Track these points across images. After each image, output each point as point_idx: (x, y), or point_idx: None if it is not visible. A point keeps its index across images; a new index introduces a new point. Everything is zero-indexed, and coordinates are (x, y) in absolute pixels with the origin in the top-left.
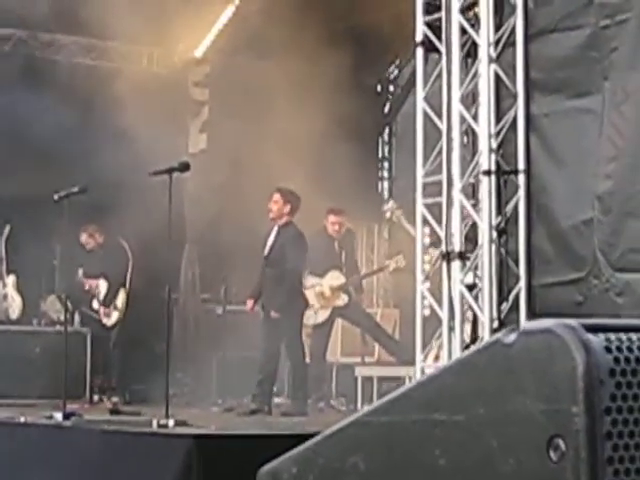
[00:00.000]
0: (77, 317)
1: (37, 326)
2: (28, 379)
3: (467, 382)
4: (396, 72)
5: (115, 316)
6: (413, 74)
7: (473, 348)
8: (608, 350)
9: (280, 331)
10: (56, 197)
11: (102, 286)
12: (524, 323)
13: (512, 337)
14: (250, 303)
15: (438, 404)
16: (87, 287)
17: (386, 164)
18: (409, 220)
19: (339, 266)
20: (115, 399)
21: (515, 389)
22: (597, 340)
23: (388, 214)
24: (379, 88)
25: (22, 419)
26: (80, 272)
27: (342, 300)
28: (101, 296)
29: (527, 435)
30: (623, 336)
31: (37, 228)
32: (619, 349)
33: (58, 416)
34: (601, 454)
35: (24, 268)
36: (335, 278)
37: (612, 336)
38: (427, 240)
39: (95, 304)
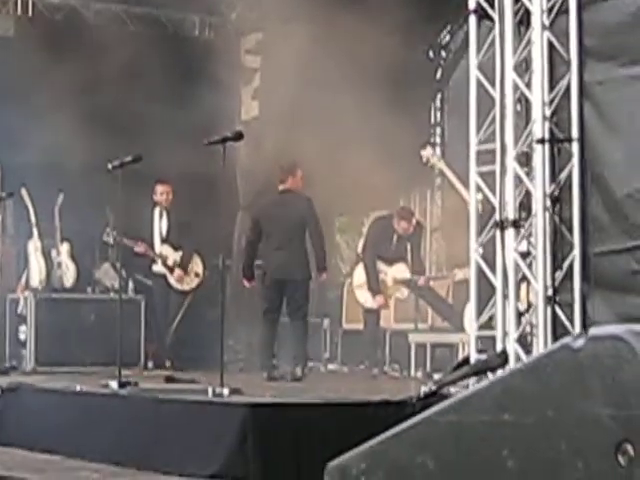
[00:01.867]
0: (131, 284)
1: (91, 294)
2: (83, 346)
3: (536, 385)
4: (448, 37)
5: (195, 282)
6: (465, 40)
7: (542, 352)
8: None
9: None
10: (110, 166)
11: (167, 250)
12: (592, 329)
13: (580, 342)
14: None
15: (507, 406)
16: (142, 250)
17: (438, 130)
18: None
19: (406, 259)
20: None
21: (584, 393)
22: None
23: (425, 159)
24: (431, 54)
25: (78, 388)
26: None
27: (401, 294)
28: (169, 261)
29: (596, 439)
30: None
31: (90, 196)
32: None
33: (114, 385)
34: None
35: (78, 236)
36: (401, 271)
37: None
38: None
39: (157, 267)
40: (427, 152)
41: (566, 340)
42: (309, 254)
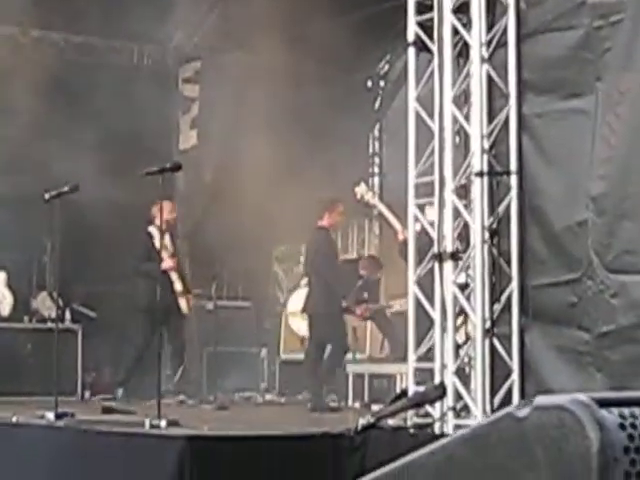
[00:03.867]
0: (68, 314)
1: (28, 323)
2: (19, 376)
3: (479, 455)
4: (386, 67)
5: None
6: (404, 70)
7: (485, 420)
8: (622, 427)
9: None
10: (47, 196)
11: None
12: (537, 398)
13: (525, 411)
14: None
15: (448, 475)
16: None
17: (377, 159)
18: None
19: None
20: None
21: (528, 465)
22: (611, 417)
23: (359, 196)
24: (369, 83)
25: (14, 419)
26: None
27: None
28: (178, 285)
29: None
30: (637, 411)
31: (27, 225)
32: (633, 426)
33: (50, 415)
34: None
35: (14, 265)
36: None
37: (626, 411)
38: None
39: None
40: (361, 189)
41: (510, 409)
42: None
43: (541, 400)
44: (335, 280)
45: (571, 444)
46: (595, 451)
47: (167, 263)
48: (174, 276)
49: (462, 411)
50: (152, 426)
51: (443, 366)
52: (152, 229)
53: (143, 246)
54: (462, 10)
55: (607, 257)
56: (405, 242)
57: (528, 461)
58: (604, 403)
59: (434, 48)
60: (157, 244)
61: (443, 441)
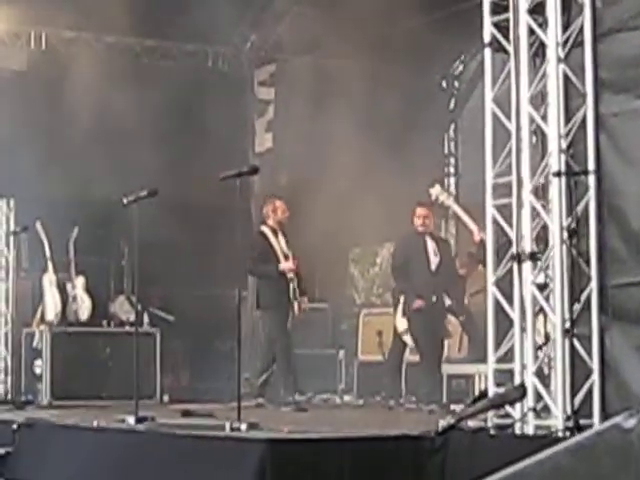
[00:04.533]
0: (146, 317)
1: (107, 327)
2: (98, 380)
3: (585, 464)
4: (461, 67)
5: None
6: (478, 70)
7: (591, 431)
8: None
9: None
10: (125, 201)
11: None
12: None
13: (632, 422)
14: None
15: None
16: (288, 267)
17: (452, 160)
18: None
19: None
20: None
21: (635, 475)
22: None
23: (434, 197)
24: (444, 84)
25: (95, 423)
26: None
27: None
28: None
29: None
30: None
31: (105, 230)
32: None
33: (130, 420)
34: None
35: (93, 269)
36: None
37: None
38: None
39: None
40: (436, 190)
41: (617, 419)
42: None
43: None
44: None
45: None
46: None
47: (287, 264)
48: (291, 277)
49: (542, 412)
50: (232, 429)
51: (523, 367)
52: (265, 229)
53: (259, 247)
54: (537, 10)
55: None
56: (481, 243)
57: (635, 471)
58: None
59: (510, 48)
60: (273, 244)
61: (549, 451)
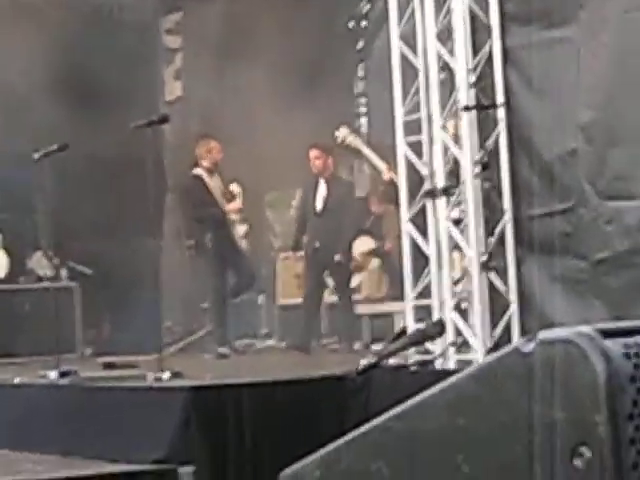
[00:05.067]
0: (64, 272)
1: (25, 284)
2: (18, 337)
3: (488, 390)
4: (368, 7)
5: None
6: (384, 9)
7: (492, 355)
8: (627, 356)
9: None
10: (36, 156)
11: None
12: (541, 333)
13: (530, 346)
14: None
15: (460, 411)
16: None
17: (363, 100)
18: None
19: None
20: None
21: (537, 398)
22: (616, 347)
23: (340, 140)
24: (352, 24)
25: (17, 380)
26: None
27: (372, 265)
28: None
29: (551, 443)
30: None
31: (17, 186)
32: (638, 355)
33: (53, 375)
34: (626, 460)
35: (9, 226)
36: (366, 243)
37: (630, 341)
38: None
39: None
40: (342, 133)
41: (516, 344)
42: None
43: (545, 334)
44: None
45: (578, 376)
46: (602, 382)
47: (234, 205)
48: (234, 219)
49: (462, 346)
50: (155, 379)
51: (441, 303)
52: (200, 171)
53: (197, 191)
54: None
55: (599, 184)
56: (390, 182)
57: (537, 393)
58: (608, 334)
59: None
60: (211, 186)
61: (452, 379)
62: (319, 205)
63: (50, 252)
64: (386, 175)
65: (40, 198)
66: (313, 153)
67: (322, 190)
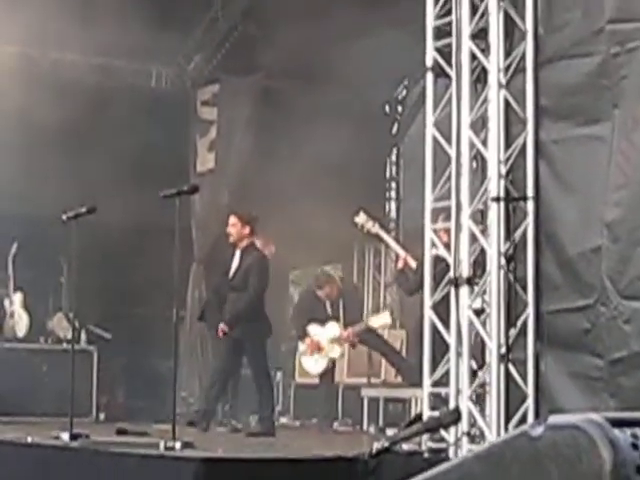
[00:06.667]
0: (83, 335)
1: (44, 344)
2: (34, 397)
3: (493, 473)
4: (404, 92)
5: None
6: (421, 95)
7: (500, 438)
8: (635, 447)
9: (243, 352)
10: (64, 217)
11: None
12: (551, 417)
13: (539, 430)
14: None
15: None
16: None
17: (394, 184)
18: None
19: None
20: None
21: None
22: (623, 437)
23: (359, 226)
24: (387, 108)
25: (29, 439)
26: None
27: (335, 352)
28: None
29: None
30: None
31: (44, 246)
32: None
33: (65, 436)
34: None
35: (31, 286)
36: (332, 330)
37: (638, 431)
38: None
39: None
40: (360, 219)
41: (524, 428)
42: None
43: (555, 419)
44: None
45: (584, 463)
46: (608, 470)
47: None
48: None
49: (477, 436)
50: (167, 448)
51: (458, 391)
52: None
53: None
54: (480, 36)
55: (621, 283)
56: (403, 270)
57: (543, 479)
58: (617, 423)
59: (452, 73)
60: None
61: (458, 459)
62: (231, 275)
63: (71, 314)
64: (399, 262)
65: (65, 260)
66: (230, 220)
67: (235, 260)
